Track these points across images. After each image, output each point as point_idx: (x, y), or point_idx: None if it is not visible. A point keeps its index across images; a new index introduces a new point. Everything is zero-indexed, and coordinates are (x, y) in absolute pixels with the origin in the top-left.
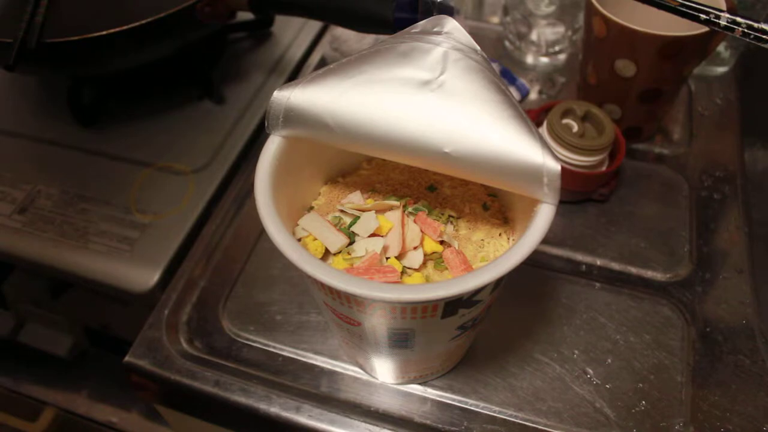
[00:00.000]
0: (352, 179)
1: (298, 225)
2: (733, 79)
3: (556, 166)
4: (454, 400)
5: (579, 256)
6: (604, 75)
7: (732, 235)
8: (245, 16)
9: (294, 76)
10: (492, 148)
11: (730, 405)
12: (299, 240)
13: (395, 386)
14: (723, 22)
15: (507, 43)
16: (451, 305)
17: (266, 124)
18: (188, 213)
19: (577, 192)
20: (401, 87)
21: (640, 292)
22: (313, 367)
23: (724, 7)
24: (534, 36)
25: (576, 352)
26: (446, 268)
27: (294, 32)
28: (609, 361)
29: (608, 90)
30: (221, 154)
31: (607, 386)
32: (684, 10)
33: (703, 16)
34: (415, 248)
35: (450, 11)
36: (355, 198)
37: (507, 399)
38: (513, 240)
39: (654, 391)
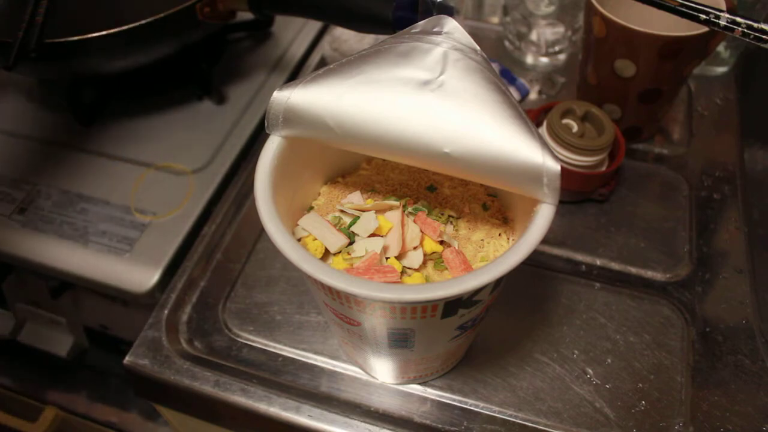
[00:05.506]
0: (352, 179)
1: (298, 225)
2: (733, 79)
3: (556, 166)
4: (453, 400)
5: (579, 256)
6: (604, 75)
7: (732, 235)
8: (245, 16)
9: (294, 76)
10: (492, 148)
11: (730, 405)
12: (299, 240)
13: (395, 386)
14: (723, 22)
15: (507, 43)
16: (451, 305)
17: (266, 124)
18: (188, 213)
19: (577, 192)
20: (401, 87)
21: (640, 292)
22: (313, 367)
23: (724, 7)
24: (534, 36)
25: (576, 352)
26: (446, 268)
27: (294, 32)
28: (609, 361)
29: (608, 90)
30: (221, 154)
31: (607, 386)
32: (684, 10)
33: (702, 16)
34: (414, 248)
35: (450, 11)
36: (355, 198)
37: (507, 399)
38: (513, 240)
39: (654, 391)
